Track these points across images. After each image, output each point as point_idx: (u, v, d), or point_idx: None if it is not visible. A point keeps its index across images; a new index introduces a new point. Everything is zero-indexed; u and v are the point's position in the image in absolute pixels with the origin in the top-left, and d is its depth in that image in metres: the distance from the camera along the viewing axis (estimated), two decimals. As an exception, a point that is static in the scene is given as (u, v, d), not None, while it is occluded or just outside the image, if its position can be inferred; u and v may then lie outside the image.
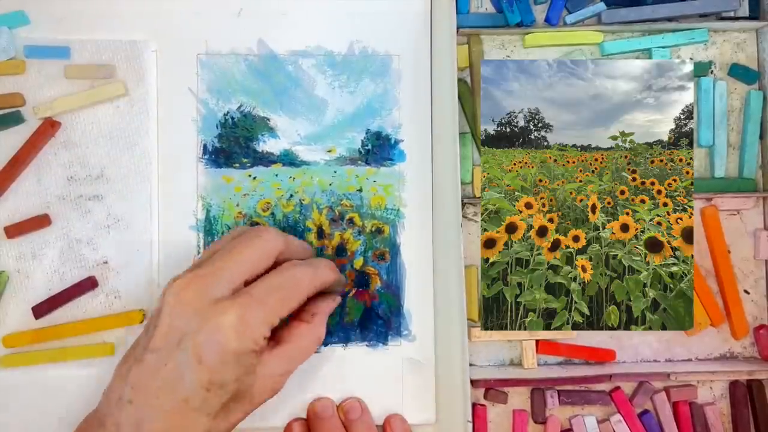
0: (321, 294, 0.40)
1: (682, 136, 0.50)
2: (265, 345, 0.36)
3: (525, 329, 0.48)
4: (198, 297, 0.35)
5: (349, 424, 0.43)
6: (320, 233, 0.45)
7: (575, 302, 0.51)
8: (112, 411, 0.34)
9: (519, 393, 0.48)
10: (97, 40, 0.45)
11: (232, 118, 0.46)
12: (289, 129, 0.46)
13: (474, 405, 0.47)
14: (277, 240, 0.38)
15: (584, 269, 0.53)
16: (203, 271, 0.36)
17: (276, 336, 0.38)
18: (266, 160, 0.46)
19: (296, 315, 0.39)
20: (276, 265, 0.38)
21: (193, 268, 0.37)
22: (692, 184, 0.48)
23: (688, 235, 0.49)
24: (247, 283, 0.37)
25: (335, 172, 0.46)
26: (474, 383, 0.46)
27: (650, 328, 0.49)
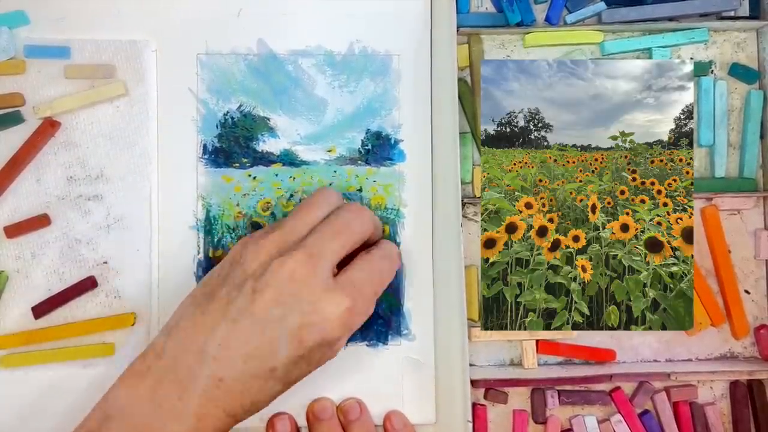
0: None
1: (682, 136, 0.50)
2: None
3: (525, 329, 0.48)
4: (309, 278, 0.35)
5: (348, 425, 0.43)
6: (320, 233, 0.45)
7: (575, 302, 0.51)
8: (188, 360, 0.35)
9: (519, 393, 0.47)
10: (97, 40, 0.45)
11: (232, 118, 0.46)
12: (289, 129, 0.46)
13: (474, 405, 0.47)
14: (371, 224, 0.40)
15: (584, 269, 0.53)
16: (313, 249, 0.36)
17: None
18: (266, 159, 0.46)
19: None
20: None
21: (293, 239, 0.37)
22: (692, 184, 0.48)
23: (688, 235, 0.49)
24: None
25: (335, 171, 0.46)
26: (474, 383, 0.46)
27: (650, 328, 0.49)
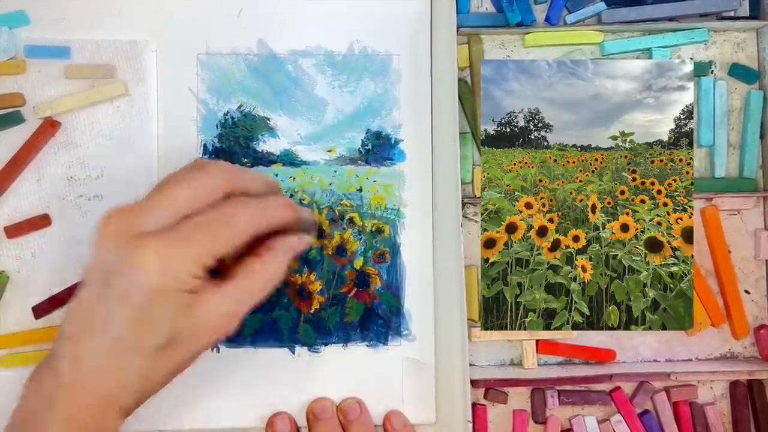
0: (284, 232, 0.38)
1: (682, 136, 0.50)
2: (198, 284, 0.34)
3: (525, 329, 0.48)
4: (121, 231, 0.33)
5: (348, 425, 0.43)
6: (320, 233, 0.45)
7: (575, 302, 0.51)
8: (56, 345, 0.34)
9: (519, 393, 0.47)
10: (98, 40, 0.45)
11: (232, 118, 0.46)
12: (289, 129, 0.46)
13: (474, 405, 0.47)
14: (222, 174, 0.36)
15: (584, 269, 0.53)
16: (133, 205, 0.34)
17: (225, 274, 0.36)
18: (266, 159, 0.46)
19: (251, 251, 0.37)
20: None
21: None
22: (692, 184, 0.48)
23: (688, 235, 0.49)
24: None
25: (335, 171, 0.46)
26: (474, 383, 0.46)
27: (650, 328, 0.49)
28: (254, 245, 0.37)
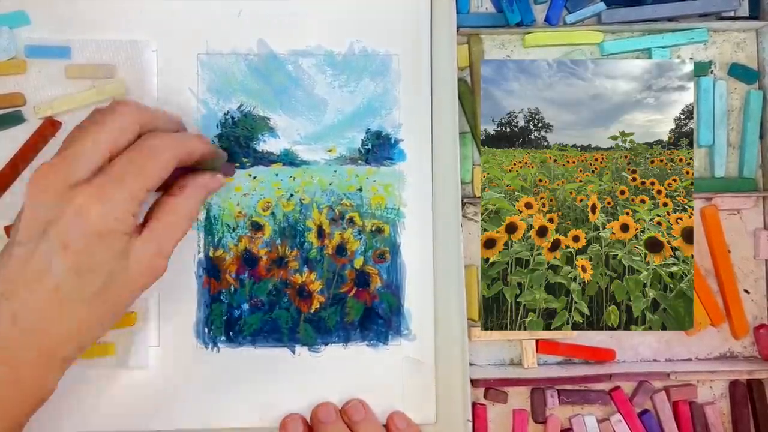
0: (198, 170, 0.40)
1: (682, 136, 0.50)
2: (134, 224, 0.36)
3: (525, 329, 0.48)
4: (56, 183, 0.34)
5: (354, 425, 0.43)
6: (320, 233, 0.45)
7: (575, 302, 0.51)
8: None
9: (519, 392, 0.48)
10: (98, 40, 0.45)
11: (233, 118, 0.46)
12: (289, 128, 0.46)
13: (474, 404, 0.47)
14: (134, 113, 0.37)
15: (584, 269, 0.54)
16: (59, 157, 0.35)
17: (146, 216, 0.38)
18: (266, 159, 0.46)
19: (166, 191, 0.39)
20: None
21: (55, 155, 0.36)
22: (692, 184, 0.48)
23: (688, 235, 0.49)
24: None
25: (335, 171, 0.46)
26: (474, 383, 0.46)
27: (650, 328, 0.49)
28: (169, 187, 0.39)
